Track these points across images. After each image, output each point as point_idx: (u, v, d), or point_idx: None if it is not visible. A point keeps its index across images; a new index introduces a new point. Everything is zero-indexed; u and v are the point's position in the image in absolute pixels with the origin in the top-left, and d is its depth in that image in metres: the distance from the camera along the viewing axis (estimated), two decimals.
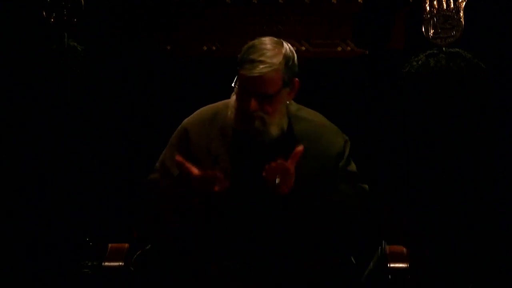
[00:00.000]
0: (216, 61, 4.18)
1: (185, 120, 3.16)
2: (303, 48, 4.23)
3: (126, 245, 3.21)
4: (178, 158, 2.92)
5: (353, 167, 3.12)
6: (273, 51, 2.95)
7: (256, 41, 2.99)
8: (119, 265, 3.13)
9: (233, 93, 3.03)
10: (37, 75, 4.10)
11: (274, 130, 2.99)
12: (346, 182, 3.07)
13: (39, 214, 4.12)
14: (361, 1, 4.21)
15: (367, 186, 3.14)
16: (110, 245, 3.22)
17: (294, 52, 3.02)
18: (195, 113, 3.18)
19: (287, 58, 2.97)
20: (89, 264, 4.04)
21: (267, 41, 2.99)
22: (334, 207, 3.02)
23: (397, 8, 4.21)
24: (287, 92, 3.01)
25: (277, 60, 2.94)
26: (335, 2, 4.22)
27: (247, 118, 2.96)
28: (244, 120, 2.97)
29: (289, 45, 3.02)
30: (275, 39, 3.02)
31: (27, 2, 4.18)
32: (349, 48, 4.24)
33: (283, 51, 2.97)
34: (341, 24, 4.24)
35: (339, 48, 4.25)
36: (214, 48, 4.26)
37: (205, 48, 4.27)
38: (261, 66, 2.92)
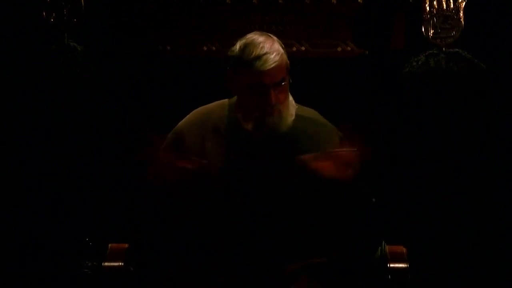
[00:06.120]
0: (216, 61, 4.17)
1: (178, 124, 3.17)
2: (303, 48, 4.23)
3: (126, 245, 3.21)
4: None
5: None
6: (269, 41, 2.96)
7: (245, 41, 2.97)
8: (119, 265, 3.13)
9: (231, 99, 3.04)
10: (37, 75, 4.10)
11: (290, 118, 3.00)
12: None
13: (39, 214, 4.12)
14: (361, 1, 4.21)
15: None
16: (110, 245, 3.22)
17: None
18: (187, 116, 3.18)
19: (279, 42, 2.99)
20: (89, 264, 4.05)
21: (255, 36, 2.98)
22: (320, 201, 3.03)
23: (397, 8, 4.21)
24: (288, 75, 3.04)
25: (277, 46, 2.96)
26: (335, 2, 4.22)
27: (265, 114, 2.94)
28: (261, 117, 2.96)
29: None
30: (257, 32, 3.02)
31: (27, 2, 4.18)
32: (349, 48, 4.24)
33: (273, 37, 2.99)
34: (341, 24, 4.24)
35: (339, 48, 4.25)
36: (214, 48, 4.26)
37: (205, 48, 4.27)
38: (272, 56, 2.92)
